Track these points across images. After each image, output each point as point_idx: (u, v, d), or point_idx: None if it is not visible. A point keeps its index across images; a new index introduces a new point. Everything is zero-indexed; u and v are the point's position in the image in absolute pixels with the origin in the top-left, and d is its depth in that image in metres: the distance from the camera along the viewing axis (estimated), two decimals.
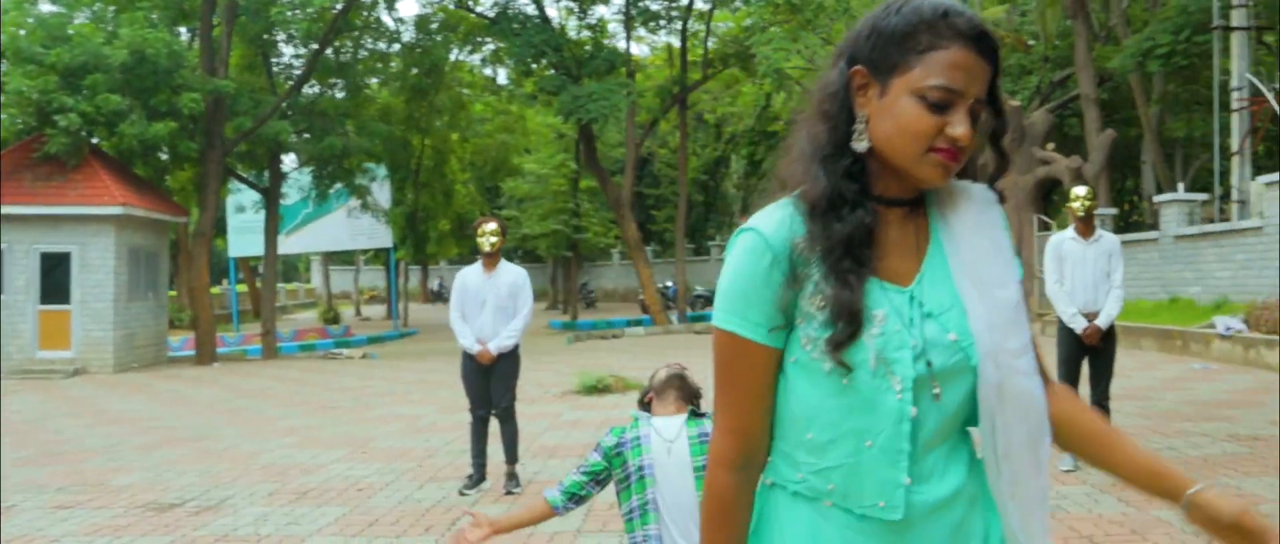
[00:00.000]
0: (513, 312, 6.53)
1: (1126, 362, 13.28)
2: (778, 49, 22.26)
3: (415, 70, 26.25)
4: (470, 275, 6.63)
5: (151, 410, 11.95)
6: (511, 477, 6.56)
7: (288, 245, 31.82)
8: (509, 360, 6.56)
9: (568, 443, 8.38)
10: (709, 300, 33.72)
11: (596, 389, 11.95)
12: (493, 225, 6.55)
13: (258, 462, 7.99)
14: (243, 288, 40.78)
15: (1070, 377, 6.52)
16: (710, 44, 28.47)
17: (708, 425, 3.08)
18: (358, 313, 44.21)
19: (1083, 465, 6.40)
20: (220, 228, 34.35)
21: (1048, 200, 25.59)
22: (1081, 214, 6.48)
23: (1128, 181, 33.77)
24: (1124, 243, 19.40)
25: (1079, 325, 6.36)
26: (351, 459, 7.94)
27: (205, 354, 20.14)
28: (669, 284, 32.70)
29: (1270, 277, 14.68)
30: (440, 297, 54.66)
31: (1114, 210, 21.68)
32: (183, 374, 17.70)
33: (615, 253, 51.14)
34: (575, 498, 3.09)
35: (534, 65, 26.45)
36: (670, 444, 3.48)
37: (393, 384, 14.52)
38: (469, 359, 6.55)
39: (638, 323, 27.96)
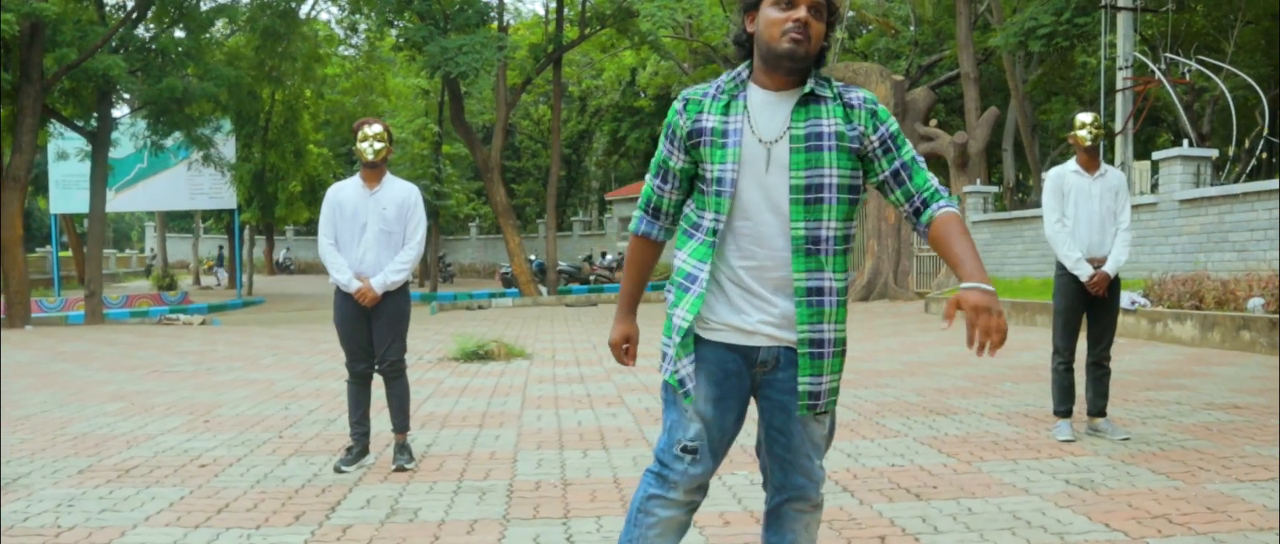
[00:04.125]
0: (401, 239, 5.13)
1: (1031, 336, 12.80)
2: (662, 7, 21.16)
3: (265, 17, 23.97)
4: (346, 191, 5.13)
5: None
6: (402, 449, 5.21)
7: (119, 203, 28.98)
8: (396, 302, 5.14)
9: (460, 410, 7.07)
10: (573, 275, 32.48)
11: (478, 355, 10.64)
12: (377, 128, 5.09)
13: (68, 432, 6.39)
14: (66, 253, 37.26)
15: (1068, 330, 5.61)
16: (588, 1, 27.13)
17: None
18: (197, 281, 41.16)
19: (1079, 436, 5.53)
20: (40, 182, 31.13)
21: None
22: (1089, 143, 5.55)
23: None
24: (1012, 220, 19.30)
25: (1084, 272, 5.44)
26: (191, 429, 6.43)
27: (16, 316, 17.74)
28: (532, 257, 31.29)
29: (1164, 252, 14.50)
30: (286, 269, 51.65)
31: (995, 189, 21.49)
32: None
33: (473, 226, 49.32)
34: None
35: (397, 22, 24.63)
36: None
37: (241, 349, 12.81)
38: (345, 300, 5.11)
39: (502, 295, 26.52)
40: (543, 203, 49.37)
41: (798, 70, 2.29)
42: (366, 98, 33.24)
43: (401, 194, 5.12)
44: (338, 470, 5.05)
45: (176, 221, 57.10)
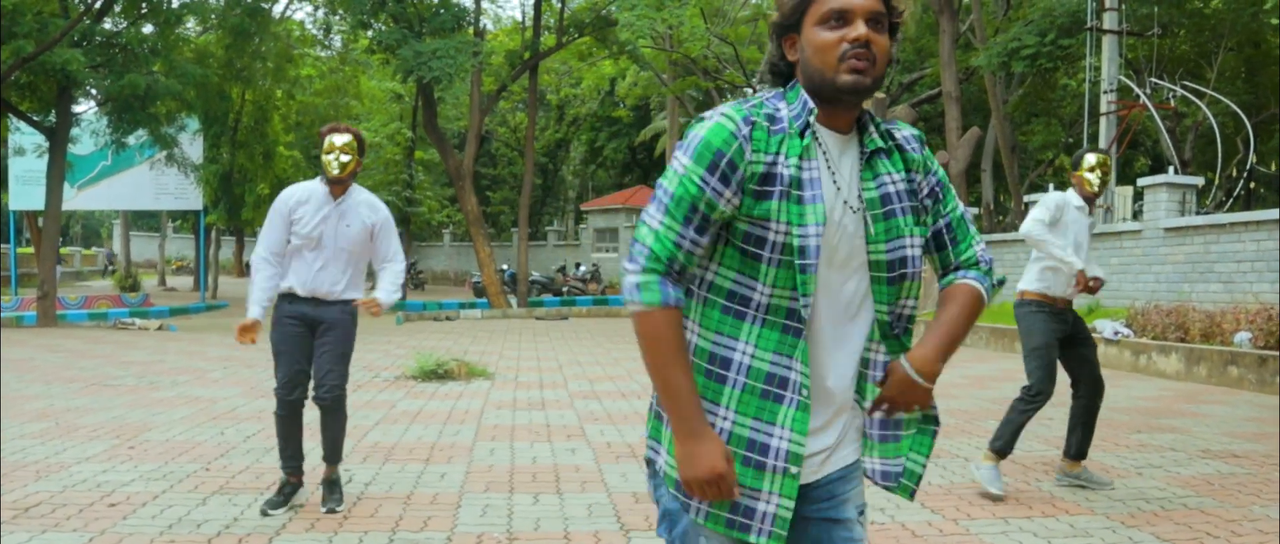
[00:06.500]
0: (359, 258, 4.64)
1: (1011, 365, 12.45)
2: (641, 16, 20.73)
3: (235, 15, 23.34)
4: (308, 200, 4.54)
5: None
6: (332, 488, 4.71)
7: (81, 201, 28.26)
8: (346, 323, 4.62)
9: (408, 440, 6.58)
10: (546, 286, 31.96)
11: (437, 374, 10.15)
12: (346, 137, 4.52)
13: None
14: (29, 250, 36.41)
15: (1050, 366, 5.06)
16: (568, 7, 26.66)
17: None
18: (162, 282, 40.34)
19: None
20: (4, 178, 30.31)
21: None
22: (1095, 190, 5.17)
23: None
24: (992, 243, 18.96)
25: (1078, 265, 4.99)
26: (112, 457, 5.91)
27: None
28: (504, 267, 30.74)
29: (1147, 281, 14.20)
30: None
31: (975, 210, 21.20)
32: None
33: (447, 233, 48.70)
34: None
35: (373, 22, 24.09)
36: None
37: (191, 359, 12.24)
38: (291, 316, 4.55)
39: (472, 306, 25.96)
40: (518, 211, 48.92)
41: (859, 104, 1.76)
42: (339, 100, 32.61)
43: (367, 214, 4.66)
44: (264, 513, 4.56)
45: (145, 221, 56.18)
